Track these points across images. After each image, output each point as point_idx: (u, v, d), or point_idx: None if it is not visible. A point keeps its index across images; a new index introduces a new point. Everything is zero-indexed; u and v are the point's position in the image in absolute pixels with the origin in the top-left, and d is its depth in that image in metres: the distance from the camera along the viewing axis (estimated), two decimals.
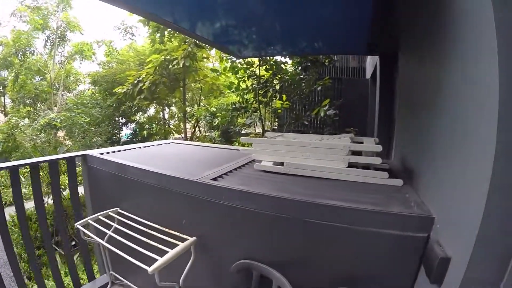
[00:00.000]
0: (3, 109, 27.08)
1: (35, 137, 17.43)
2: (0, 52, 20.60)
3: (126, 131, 21.53)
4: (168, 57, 12.87)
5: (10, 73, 21.20)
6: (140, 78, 13.74)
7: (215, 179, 2.43)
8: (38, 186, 3.32)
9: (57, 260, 13.95)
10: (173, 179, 2.54)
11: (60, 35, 20.11)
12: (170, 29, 13.33)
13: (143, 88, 13.47)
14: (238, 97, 10.30)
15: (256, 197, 2.09)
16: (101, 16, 58.93)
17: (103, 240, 2.69)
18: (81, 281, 3.91)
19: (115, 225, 2.84)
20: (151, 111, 21.06)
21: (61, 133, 18.78)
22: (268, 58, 9.19)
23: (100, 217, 2.91)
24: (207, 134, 17.65)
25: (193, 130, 16.73)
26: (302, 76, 9.36)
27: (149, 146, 4.24)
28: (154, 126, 21.20)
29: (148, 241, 2.41)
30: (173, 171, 2.66)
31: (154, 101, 16.84)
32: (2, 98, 26.98)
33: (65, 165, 3.52)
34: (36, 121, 17.10)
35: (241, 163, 3.06)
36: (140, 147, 4.11)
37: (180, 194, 2.49)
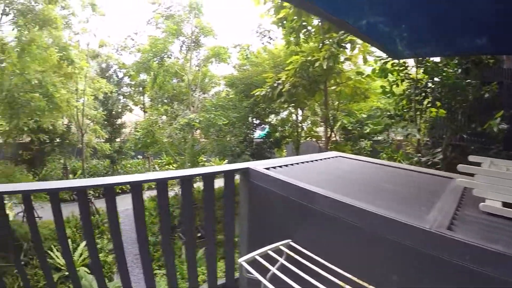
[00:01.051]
0: (142, 106, 29.31)
1: (173, 135, 18.25)
2: (139, 58, 22.16)
3: (259, 132, 21.79)
4: (309, 58, 12.34)
5: (149, 75, 22.70)
6: (280, 81, 13.42)
7: (449, 228, 1.72)
8: (166, 203, 2.95)
9: (182, 250, 14.39)
10: (384, 221, 1.85)
11: (194, 40, 20.89)
12: (305, 30, 12.90)
13: (283, 90, 13.12)
14: (393, 103, 9.39)
15: None
16: (236, 20, 61.00)
17: (265, 278, 2.15)
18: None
19: (282, 260, 2.26)
20: (284, 113, 20.89)
21: (196, 130, 19.51)
22: (424, 59, 8.19)
23: (268, 251, 2.38)
24: (342, 140, 16.99)
25: (328, 135, 16.06)
26: (464, 80, 8.12)
27: (314, 161, 3.57)
28: (286, 128, 20.96)
29: None
30: (373, 205, 2.00)
31: (293, 104, 16.57)
32: (142, 97, 29.26)
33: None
34: (176, 121, 17.84)
35: (455, 198, 2.29)
36: (304, 162, 3.45)
37: (393, 242, 1.80)
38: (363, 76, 13.13)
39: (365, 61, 11.99)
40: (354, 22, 3.99)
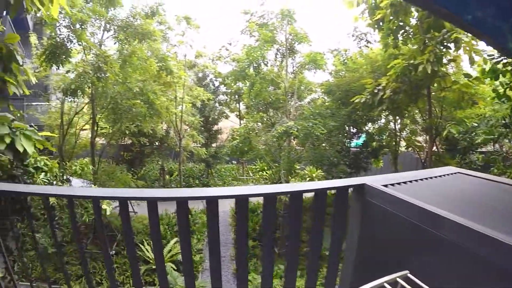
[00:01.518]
0: (238, 113, 30.00)
1: (270, 143, 18.34)
2: (235, 66, 22.98)
3: (355, 141, 21.27)
4: (412, 61, 11.60)
5: (244, 83, 23.65)
6: (380, 87, 12.78)
7: None
8: (272, 218, 2.79)
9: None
10: None
11: (289, 47, 20.79)
12: (403, 31, 12.22)
13: (384, 97, 12.49)
14: (508, 108, 8.48)
15: None
16: (329, 25, 60.12)
17: None
18: None
19: None
20: (382, 121, 20.27)
21: (294, 139, 19.49)
22: None
23: (385, 283, 2.06)
24: (443, 151, 15.93)
25: (430, 146, 14.99)
26: None
27: (434, 177, 3.11)
28: (384, 137, 20.34)
29: None
30: None
31: (393, 112, 15.86)
32: (238, 104, 29.98)
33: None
34: (273, 128, 17.88)
35: None
36: (423, 178, 2.99)
37: None
38: (471, 78, 12.05)
39: (472, 61, 10.92)
40: (464, 13, 3.51)
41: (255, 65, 20.53)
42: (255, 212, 20.44)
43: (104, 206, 12.57)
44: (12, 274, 3.36)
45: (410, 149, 19.23)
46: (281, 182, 21.00)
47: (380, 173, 28.22)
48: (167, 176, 26.57)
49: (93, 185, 16.47)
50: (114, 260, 14.36)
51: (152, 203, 2.41)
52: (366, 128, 20.70)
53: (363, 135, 21.04)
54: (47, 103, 21.18)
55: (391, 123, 19.84)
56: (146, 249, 15.31)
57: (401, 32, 12.21)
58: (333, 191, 2.70)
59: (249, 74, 21.15)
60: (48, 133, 6.80)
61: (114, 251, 15.02)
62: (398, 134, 19.38)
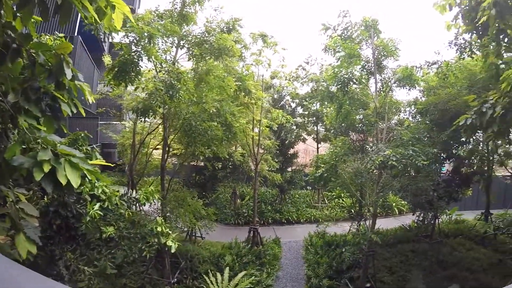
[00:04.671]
0: (315, 136, 28.65)
1: (363, 172, 16.22)
2: (314, 86, 21.45)
3: (444, 167, 18.95)
4: None
5: (322, 104, 23.11)
6: (488, 104, 10.47)
7: None
8: None
9: None
10: None
11: (376, 62, 18.59)
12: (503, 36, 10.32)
13: (494, 115, 10.18)
14: None
15: None
16: (418, 34, 57.21)
17: None
18: None
19: None
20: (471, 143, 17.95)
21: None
22: None
23: None
24: None
25: None
26: None
27: None
28: (475, 161, 18.11)
29: None
30: None
31: (499, 135, 13.25)
32: (315, 127, 28.65)
33: None
34: (368, 158, 15.56)
35: None
36: None
37: None
38: None
39: None
40: None
41: (341, 84, 17.93)
42: (332, 245, 19.25)
43: (169, 243, 11.74)
44: None
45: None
46: (363, 213, 19.38)
47: (471, 202, 25.51)
48: (238, 201, 26.04)
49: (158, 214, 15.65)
50: None
51: None
52: (456, 151, 18.10)
53: (450, 160, 18.76)
54: (119, 122, 21.17)
55: (481, 144, 18.00)
56: (211, 281, 14.50)
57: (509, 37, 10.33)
58: None
59: (336, 94, 19.13)
60: (101, 162, 5.76)
61: (176, 279, 14.40)
62: (491, 158, 17.66)
